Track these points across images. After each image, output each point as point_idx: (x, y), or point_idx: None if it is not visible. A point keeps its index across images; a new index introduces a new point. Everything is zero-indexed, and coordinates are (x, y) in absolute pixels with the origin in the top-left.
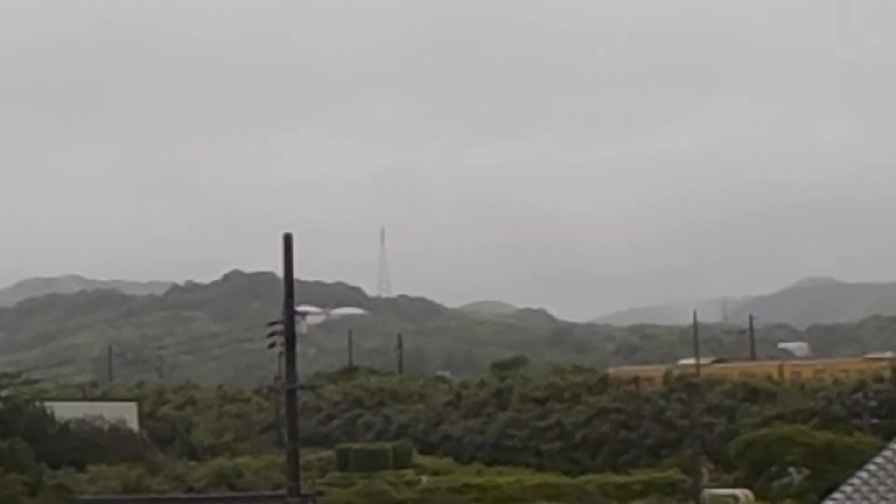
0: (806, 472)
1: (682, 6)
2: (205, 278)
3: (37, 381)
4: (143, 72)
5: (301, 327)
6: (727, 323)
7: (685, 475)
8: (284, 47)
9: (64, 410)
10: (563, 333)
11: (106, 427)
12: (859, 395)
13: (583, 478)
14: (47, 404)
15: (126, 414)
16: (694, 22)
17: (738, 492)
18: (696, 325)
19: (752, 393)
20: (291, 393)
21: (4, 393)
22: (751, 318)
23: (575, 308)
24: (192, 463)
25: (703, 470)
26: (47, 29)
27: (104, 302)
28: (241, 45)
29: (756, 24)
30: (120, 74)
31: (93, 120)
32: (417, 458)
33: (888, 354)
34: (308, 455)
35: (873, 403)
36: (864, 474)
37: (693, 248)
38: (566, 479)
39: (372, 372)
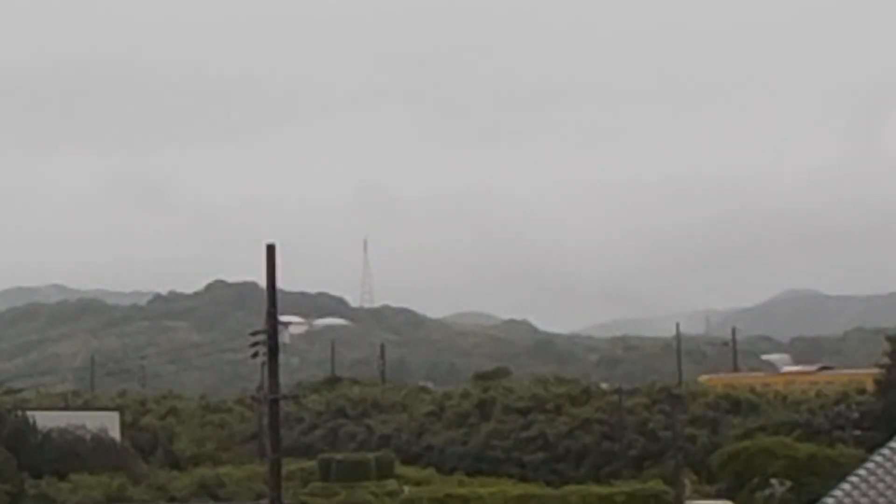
0: (788, 483)
1: (664, 23)
2: (187, 288)
3: (19, 391)
4: (126, 84)
5: (284, 337)
6: (710, 335)
7: (668, 487)
8: (268, 61)
9: (46, 420)
10: (546, 344)
11: (88, 437)
12: (842, 407)
13: (565, 489)
14: (29, 414)
15: (108, 423)
16: (678, 39)
17: (721, 503)
18: (679, 336)
19: (735, 405)
20: (274, 403)
21: None
22: (734, 330)
23: (558, 319)
24: (175, 473)
25: (686, 481)
26: (33, 44)
27: (86, 311)
28: (225, 58)
29: (739, 43)
30: (103, 88)
31: (77, 131)
32: (400, 469)
33: None
34: (290, 465)
35: (856, 415)
36: (846, 486)
37: (677, 261)
38: (549, 491)
39: (355, 382)
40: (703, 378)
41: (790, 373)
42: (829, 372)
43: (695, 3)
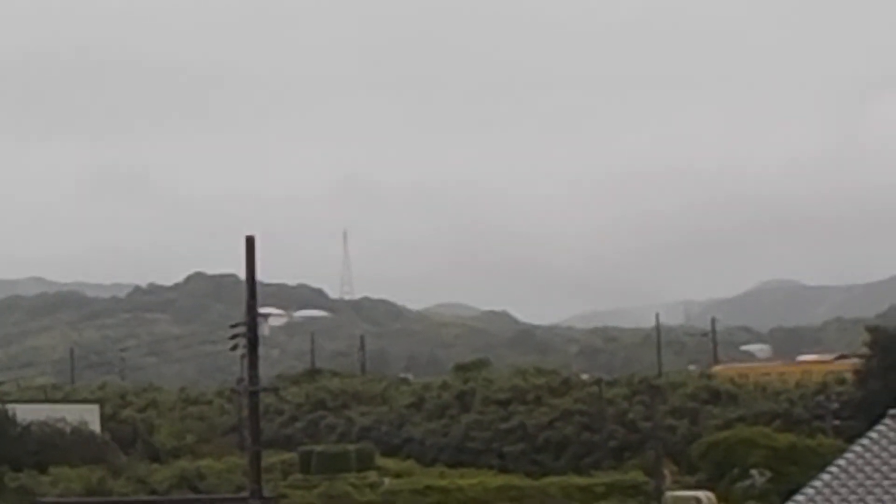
0: (768, 474)
1: (645, 11)
2: (167, 280)
3: None
4: (105, 72)
5: (264, 329)
6: (689, 325)
7: (648, 477)
8: (247, 49)
9: (26, 412)
10: (526, 335)
11: (68, 429)
12: (822, 398)
13: (545, 480)
14: (9, 406)
15: (88, 416)
16: (657, 27)
17: (701, 494)
18: (658, 327)
19: (714, 395)
20: (254, 395)
21: None
22: (713, 321)
23: (538, 310)
24: (155, 465)
25: (666, 472)
26: (9, 34)
27: (66, 304)
28: (204, 46)
29: (719, 31)
30: (81, 75)
31: (54, 121)
32: (380, 461)
33: None
34: (270, 457)
35: (835, 405)
36: (826, 476)
37: (656, 251)
38: (529, 482)
39: (335, 374)
40: (717, 368)
41: (805, 362)
42: (846, 361)
43: None
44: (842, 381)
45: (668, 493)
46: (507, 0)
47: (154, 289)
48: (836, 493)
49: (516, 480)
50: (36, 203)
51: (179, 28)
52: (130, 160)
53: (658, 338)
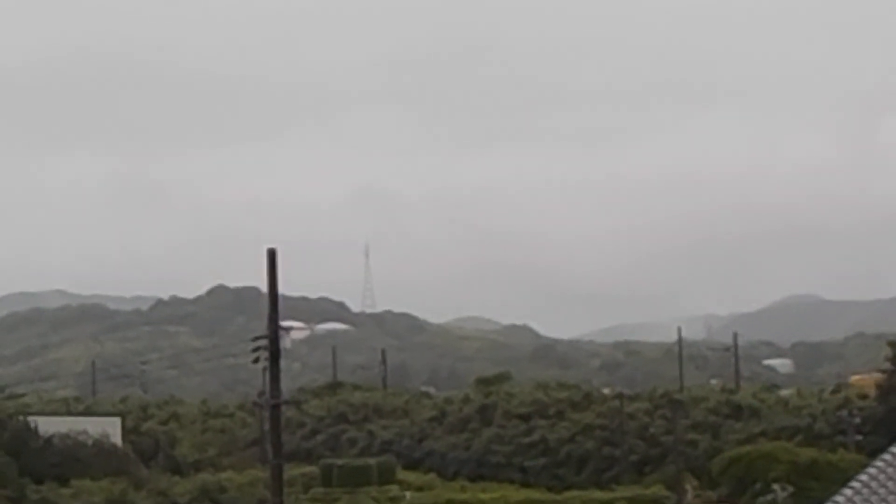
0: (790, 489)
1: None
2: (189, 293)
3: (21, 396)
4: (127, 88)
5: (285, 342)
6: (711, 340)
7: (669, 491)
8: (268, 63)
9: (48, 425)
10: (548, 349)
11: (90, 442)
12: (843, 412)
13: (567, 494)
14: (31, 419)
15: (110, 429)
16: (679, 41)
17: None
18: (680, 341)
19: (735, 410)
20: (275, 408)
21: None
22: (735, 335)
23: (559, 324)
24: (176, 478)
25: (687, 486)
26: (32, 47)
27: (88, 317)
28: (224, 60)
29: (740, 44)
30: (104, 91)
31: (76, 136)
32: (401, 474)
33: None
34: (292, 470)
35: (857, 420)
36: (847, 492)
37: (678, 266)
38: (550, 496)
39: (356, 387)
40: (854, 378)
41: None
42: None
43: (689, 3)
44: (864, 396)
45: None
46: (522, 15)
47: (176, 301)
48: None
49: (538, 494)
50: (58, 216)
51: (201, 41)
52: (152, 172)
53: (680, 352)
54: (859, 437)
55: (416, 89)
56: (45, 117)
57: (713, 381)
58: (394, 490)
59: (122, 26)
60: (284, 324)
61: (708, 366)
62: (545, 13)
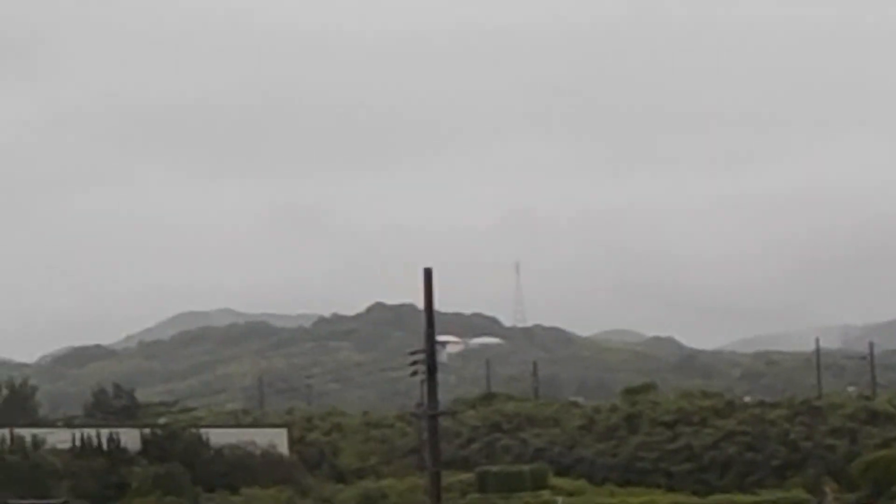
0: None
1: (791, 45)
2: (349, 311)
3: (192, 409)
4: (293, 121)
5: (441, 356)
6: (848, 349)
7: (810, 495)
8: (418, 90)
9: (218, 436)
10: (691, 360)
11: (258, 452)
12: None
13: (711, 498)
14: (202, 430)
15: (277, 439)
16: (808, 59)
17: None
18: (818, 351)
19: (872, 416)
20: (433, 418)
21: (162, 420)
22: (871, 345)
23: (701, 336)
24: (339, 486)
25: (827, 490)
26: (200, 86)
27: (254, 334)
28: (377, 89)
29: (873, 63)
30: (272, 123)
31: (244, 163)
32: (553, 480)
33: None
34: (449, 477)
35: None
36: None
37: (814, 279)
38: (695, 499)
39: (509, 398)
40: None
41: None
42: None
43: (820, 29)
44: None
45: None
46: (659, 40)
47: (337, 319)
48: None
49: (683, 499)
50: (225, 240)
51: (354, 72)
52: (315, 199)
53: (818, 361)
54: None
55: (563, 116)
56: (214, 147)
57: (850, 389)
58: (546, 495)
59: (275, 54)
60: (440, 338)
61: (844, 374)
62: (690, 44)
